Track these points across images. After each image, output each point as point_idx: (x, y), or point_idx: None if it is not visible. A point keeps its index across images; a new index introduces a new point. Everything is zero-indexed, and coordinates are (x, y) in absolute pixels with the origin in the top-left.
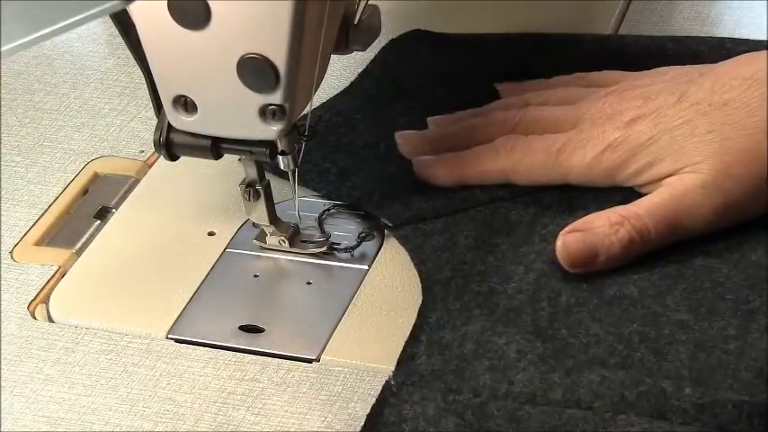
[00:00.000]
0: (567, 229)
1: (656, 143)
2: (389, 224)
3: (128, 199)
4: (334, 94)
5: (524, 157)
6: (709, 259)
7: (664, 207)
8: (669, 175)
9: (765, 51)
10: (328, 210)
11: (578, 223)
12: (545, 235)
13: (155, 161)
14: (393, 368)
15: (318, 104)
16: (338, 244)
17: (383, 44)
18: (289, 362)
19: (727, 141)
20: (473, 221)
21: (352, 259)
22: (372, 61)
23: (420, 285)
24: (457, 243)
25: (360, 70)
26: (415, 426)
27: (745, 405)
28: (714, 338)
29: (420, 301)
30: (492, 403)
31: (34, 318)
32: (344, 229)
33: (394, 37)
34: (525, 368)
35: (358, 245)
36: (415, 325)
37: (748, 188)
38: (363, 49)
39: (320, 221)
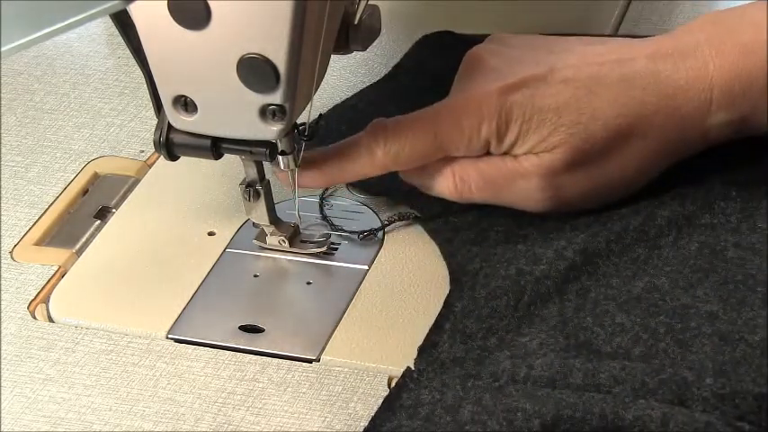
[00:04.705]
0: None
1: (527, 121)
2: (419, 216)
3: (128, 199)
4: (335, 93)
5: (403, 148)
6: (742, 252)
7: (492, 178)
8: (529, 151)
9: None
10: (328, 204)
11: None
12: (577, 224)
13: (155, 161)
14: (393, 368)
15: (351, 94)
16: (338, 244)
17: (382, 44)
18: (289, 362)
19: (585, 138)
20: (504, 216)
21: (352, 259)
22: (407, 54)
23: (421, 285)
24: (487, 237)
25: (360, 70)
26: (431, 410)
27: (767, 397)
28: (741, 329)
29: (419, 301)
30: (511, 386)
31: (34, 318)
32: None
33: (396, 36)
34: (546, 354)
35: (371, 231)
36: (440, 314)
37: (585, 190)
38: (363, 49)
39: (324, 216)
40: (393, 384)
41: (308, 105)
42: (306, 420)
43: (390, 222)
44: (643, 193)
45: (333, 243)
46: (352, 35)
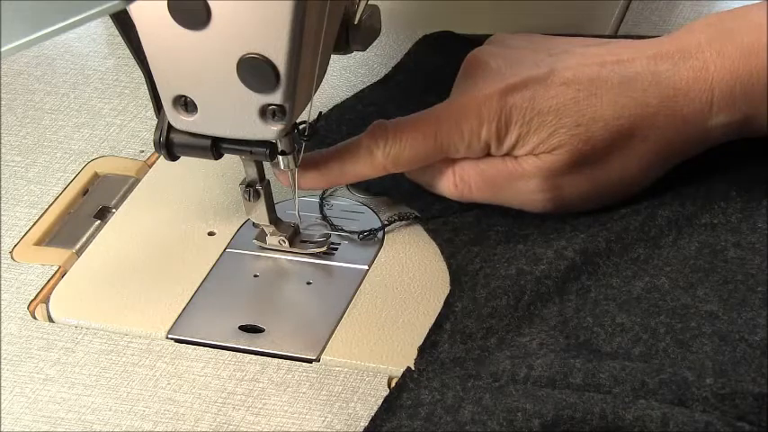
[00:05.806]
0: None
1: (527, 123)
2: (419, 216)
3: (128, 199)
4: (335, 94)
5: (403, 151)
6: (742, 251)
7: (492, 178)
8: (531, 152)
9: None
10: (328, 204)
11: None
12: (577, 225)
13: (155, 161)
14: (393, 368)
15: (351, 94)
16: (338, 244)
17: (382, 44)
18: (289, 362)
19: (586, 140)
20: (504, 217)
21: (353, 259)
22: (407, 54)
23: (421, 285)
24: (488, 237)
25: (360, 70)
26: (431, 410)
27: (767, 397)
28: (741, 329)
29: (419, 301)
30: (511, 386)
31: (34, 318)
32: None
33: (396, 36)
34: (546, 354)
35: (371, 231)
36: (440, 314)
37: (585, 191)
38: (363, 49)
39: (324, 216)
40: (393, 384)
41: (308, 105)
42: (306, 420)
43: (390, 222)
44: (643, 193)
45: (333, 243)
46: (352, 35)
